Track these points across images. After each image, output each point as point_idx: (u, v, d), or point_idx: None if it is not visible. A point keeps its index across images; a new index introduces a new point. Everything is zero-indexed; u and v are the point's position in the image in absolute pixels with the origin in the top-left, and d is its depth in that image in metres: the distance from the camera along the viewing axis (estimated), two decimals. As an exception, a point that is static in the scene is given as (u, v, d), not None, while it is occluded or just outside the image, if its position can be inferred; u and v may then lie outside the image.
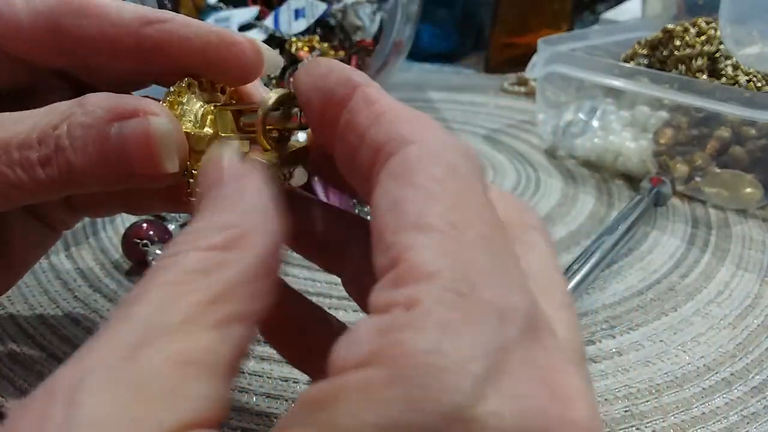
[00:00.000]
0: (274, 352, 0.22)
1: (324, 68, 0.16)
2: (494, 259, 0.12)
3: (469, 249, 0.12)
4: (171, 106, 0.19)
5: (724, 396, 0.26)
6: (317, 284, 0.33)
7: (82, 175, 0.18)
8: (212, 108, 0.20)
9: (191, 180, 0.19)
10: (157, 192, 0.23)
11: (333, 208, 0.22)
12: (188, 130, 0.19)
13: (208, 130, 0.19)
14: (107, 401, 0.11)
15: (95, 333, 0.13)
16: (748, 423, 0.25)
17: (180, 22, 0.20)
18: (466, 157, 0.14)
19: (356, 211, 0.37)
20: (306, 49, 0.57)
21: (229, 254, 0.13)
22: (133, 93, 0.20)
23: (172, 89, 0.19)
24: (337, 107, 0.16)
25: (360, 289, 0.20)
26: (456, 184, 0.13)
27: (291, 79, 0.50)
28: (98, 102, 0.18)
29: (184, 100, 0.19)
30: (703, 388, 0.27)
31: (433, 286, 0.11)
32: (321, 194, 0.36)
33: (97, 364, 0.12)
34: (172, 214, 0.36)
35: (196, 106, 0.20)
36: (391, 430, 0.10)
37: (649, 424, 0.25)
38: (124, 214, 0.38)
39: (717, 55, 0.47)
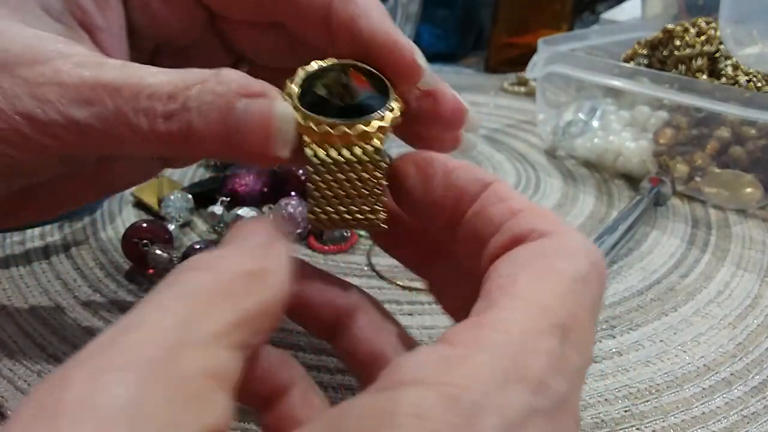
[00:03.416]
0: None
1: (451, 165, 0.19)
2: (551, 352, 0.14)
3: (539, 337, 0.14)
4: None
5: (724, 396, 0.26)
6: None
7: (198, 138, 0.18)
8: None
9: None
10: None
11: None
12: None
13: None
14: (143, 393, 0.11)
15: (104, 333, 0.13)
16: (748, 423, 0.25)
17: (364, 5, 0.21)
18: (592, 264, 0.16)
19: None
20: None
21: (253, 284, 0.15)
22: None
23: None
24: (467, 203, 0.18)
25: (444, 299, 0.22)
26: (568, 283, 0.15)
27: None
28: (233, 75, 0.19)
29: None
30: (703, 388, 0.27)
31: (501, 340, 0.13)
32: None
33: (127, 360, 0.12)
34: (172, 215, 0.37)
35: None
36: None
37: (649, 424, 0.25)
38: (123, 215, 0.38)
39: (717, 55, 0.47)
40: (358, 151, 0.19)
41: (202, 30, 0.25)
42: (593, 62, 0.47)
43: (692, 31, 0.48)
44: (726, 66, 0.47)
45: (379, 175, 0.19)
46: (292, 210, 0.35)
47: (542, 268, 0.15)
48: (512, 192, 0.18)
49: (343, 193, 0.19)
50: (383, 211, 0.20)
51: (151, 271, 0.32)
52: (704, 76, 0.47)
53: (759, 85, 0.46)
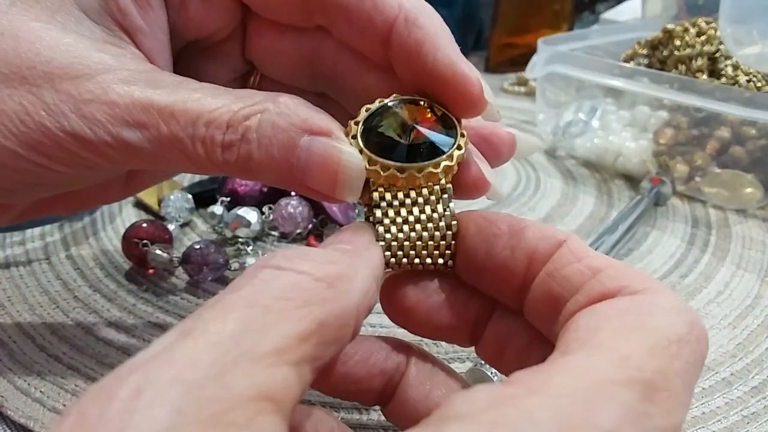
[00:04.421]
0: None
1: (519, 225, 0.18)
2: (628, 405, 0.12)
3: (614, 386, 0.12)
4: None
5: (724, 396, 0.26)
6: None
7: (256, 168, 0.18)
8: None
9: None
10: None
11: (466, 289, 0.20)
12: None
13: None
14: (180, 417, 0.11)
15: (164, 337, 0.12)
16: (748, 423, 0.25)
17: (430, 32, 0.19)
18: (691, 324, 0.14)
19: (357, 220, 0.37)
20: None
21: (331, 290, 0.14)
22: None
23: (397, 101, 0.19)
24: (539, 264, 0.17)
25: (498, 357, 0.20)
26: (660, 341, 0.13)
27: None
28: (294, 107, 0.18)
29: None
30: (703, 388, 0.27)
31: (568, 384, 0.12)
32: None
33: (175, 375, 0.11)
34: (172, 215, 0.36)
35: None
36: None
37: (649, 424, 0.25)
38: (124, 215, 0.38)
39: (717, 55, 0.47)
40: (426, 192, 0.19)
41: (232, 32, 0.24)
42: (593, 62, 0.47)
43: (692, 31, 0.48)
44: (726, 66, 0.47)
45: (448, 214, 0.19)
46: (292, 210, 0.35)
47: (631, 323, 0.14)
48: (589, 249, 0.17)
49: (415, 235, 0.18)
50: (452, 251, 0.19)
51: (151, 271, 0.32)
52: (704, 76, 0.47)
53: (759, 85, 0.46)
